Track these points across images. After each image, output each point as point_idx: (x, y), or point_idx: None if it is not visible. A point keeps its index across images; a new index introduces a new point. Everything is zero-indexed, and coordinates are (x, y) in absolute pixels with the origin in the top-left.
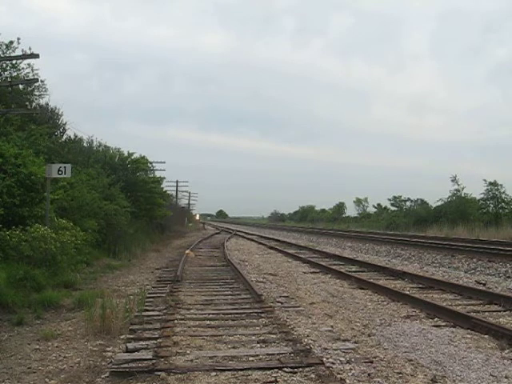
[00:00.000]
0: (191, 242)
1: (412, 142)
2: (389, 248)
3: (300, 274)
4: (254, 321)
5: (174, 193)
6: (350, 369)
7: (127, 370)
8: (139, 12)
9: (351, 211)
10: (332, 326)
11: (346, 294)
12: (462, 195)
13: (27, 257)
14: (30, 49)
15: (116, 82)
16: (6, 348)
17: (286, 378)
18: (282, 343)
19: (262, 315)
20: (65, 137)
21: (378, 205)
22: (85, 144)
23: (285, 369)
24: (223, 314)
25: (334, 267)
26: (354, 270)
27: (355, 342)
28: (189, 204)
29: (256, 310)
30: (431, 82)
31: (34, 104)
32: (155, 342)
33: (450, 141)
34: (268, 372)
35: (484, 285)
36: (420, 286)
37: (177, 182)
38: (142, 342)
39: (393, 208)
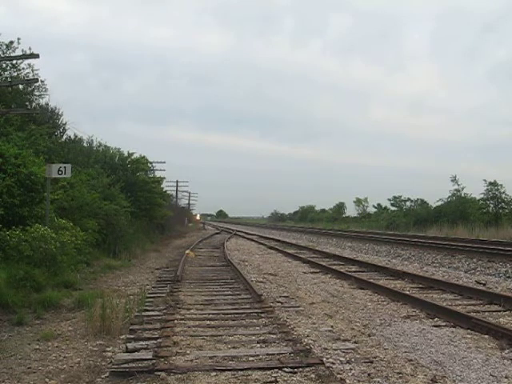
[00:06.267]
0: (191, 242)
1: (412, 141)
2: (389, 248)
3: (300, 274)
4: (254, 321)
5: (174, 193)
6: (350, 369)
7: (127, 370)
8: (139, 12)
9: (351, 211)
10: (332, 326)
11: (345, 294)
12: (462, 195)
13: (27, 257)
14: (29, 49)
15: (115, 81)
16: (6, 348)
17: (285, 378)
18: (281, 343)
19: (262, 315)
20: (65, 137)
21: (378, 205)
22: (85, 144)
23: (285, 369)
24: (223, 314)
25: (334, 267)
26: (353, 269)
27: (355, 342)
28: (189, 204)
29: (256, 310)
30: (431, 81)
31: (34, 104)
32: (155, 342)
33: (449, 141)
34: (268, 372)
35: (484, 285)
36: (420, 286)
37: (177, 182)
38: (141, 342)
39: (393, 208)
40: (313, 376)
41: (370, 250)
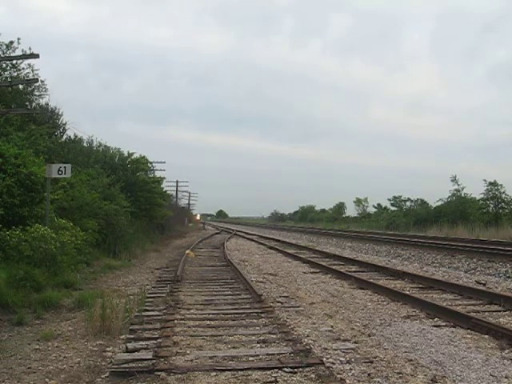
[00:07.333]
0: (191, 242)
1: (412, 141)
2: (389, 248)
3: (300, 274)
4: (254, 321)
5: (174, 193)
6: (350, 369)
7: (127, 370)
8: (139, 12)
9: (351, 211)
10: (332, 326)
11: (346, 294)
12: (462, 195)
13: (27, 257)
14: (29, 49)
15: (115, 81)
16: (6, 348)
17: (285, 378)
18: (281, 343)
19: (262, 315)
20: (65, 137)
21: (378, 205)
22: (85, 144)
23: (285, 369)
24: (223, 314)
25: (334, 267)
26: (353, 269)
27: (355, 342)
28: (189, 204)
29: (256, 310)
30: (430, 81)
31: (34, 104)
32: (155, 342)
33: (449, 141)
34: (268, 372)
35: (484, 285)
36: (420, 286)
37: (177, 182)
38: (141, 342)
39: (393, 208)
40: (313, 376)
41: (370, 250)
